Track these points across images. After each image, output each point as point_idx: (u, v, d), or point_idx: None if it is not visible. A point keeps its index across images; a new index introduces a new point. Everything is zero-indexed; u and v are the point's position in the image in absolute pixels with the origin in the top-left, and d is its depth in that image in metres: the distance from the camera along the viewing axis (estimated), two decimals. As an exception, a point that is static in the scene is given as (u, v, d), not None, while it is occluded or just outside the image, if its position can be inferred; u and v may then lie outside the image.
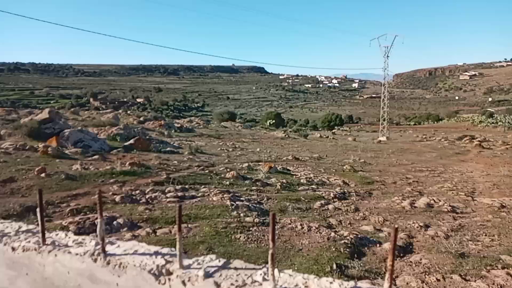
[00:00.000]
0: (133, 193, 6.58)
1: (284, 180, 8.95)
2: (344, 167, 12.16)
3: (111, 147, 10.97)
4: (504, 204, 8.04)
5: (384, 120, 43.99)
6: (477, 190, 9.84)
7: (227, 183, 8.16)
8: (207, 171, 9.18)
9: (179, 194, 6.75)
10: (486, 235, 5.85)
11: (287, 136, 24.89)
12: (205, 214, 5.81)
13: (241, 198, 6.96)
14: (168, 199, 6.42)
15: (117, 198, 6.11)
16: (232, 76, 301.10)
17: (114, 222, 5.15)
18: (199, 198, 6.68)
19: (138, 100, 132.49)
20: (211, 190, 7.17)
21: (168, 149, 12.46)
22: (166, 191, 6.92)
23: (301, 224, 5.68)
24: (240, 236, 5.04)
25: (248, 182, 8.46)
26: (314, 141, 24.77)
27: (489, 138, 31.86)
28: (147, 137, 14.48)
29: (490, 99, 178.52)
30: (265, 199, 7.23)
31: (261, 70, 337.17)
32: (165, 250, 0.84)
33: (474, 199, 8.61)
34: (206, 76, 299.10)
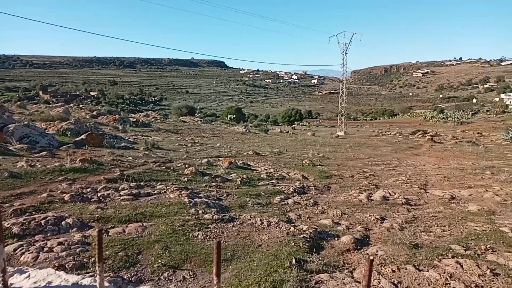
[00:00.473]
0: (84, 191, 6.23)
1: (244, 176, 8.87)
2: (304, 162, 12.27)
3: (60, 142, 10.37)
4: (454, 196, 8.44)
5: (342, 115, 45.07)
6: (429, 182, 10.26)
7: (185, 179, 7.95)
8: (164, 167, 8.90)
9: (134, 191, 6.47)
10: (437, 226, 6.08)
11: (247, 131, 24.85)
12: (161, 212, 5.60)
13: (200, 195, 6.79)
14: (122, 197, 6.14)
15: (66, 197, 5.75)
16: (191, 70, 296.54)
17: (63, 223, 4.83)
18: (155, 196, 6.44)
19: (92, 93, 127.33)
20: (168, 187, 6.95)
21: (123, 144, 11.99)
22: (119, 188, 6.61)
23: (260, 220, 5.63)
24: (198, 234, 4.90)
25: (207, 178, 8.30)
26: (274, 136, 24.90)
27: (440, 133, 33.52)
28: (100, 132, 13.87)
29: (441, 96, 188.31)
30: (224, 195, 7.11)
31: (221, 65, 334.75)
32: (86, 281, 0.69)
33: (427, 191, 8.96)
34: (164, 69, 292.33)
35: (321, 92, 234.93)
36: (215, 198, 6.80)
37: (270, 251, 4.52)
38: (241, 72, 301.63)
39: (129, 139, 13.86)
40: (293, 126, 46.63)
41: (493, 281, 4.04)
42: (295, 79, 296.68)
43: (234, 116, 43.77)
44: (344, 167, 12.27)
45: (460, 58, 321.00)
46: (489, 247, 5.06)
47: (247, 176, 8.98)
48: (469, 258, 4.57)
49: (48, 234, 4.51)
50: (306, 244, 4.80)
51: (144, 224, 5.07)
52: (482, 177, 11.07)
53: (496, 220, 6.50)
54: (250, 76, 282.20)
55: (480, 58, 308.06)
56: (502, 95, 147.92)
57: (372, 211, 6.87)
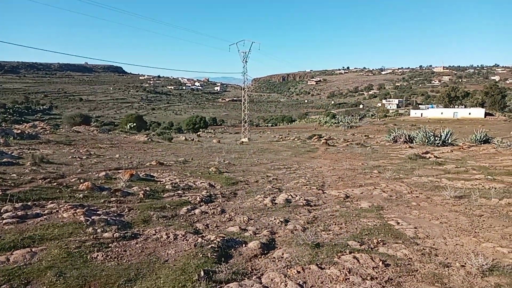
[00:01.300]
0: (-46, 217, 5.31)
1: (147, 188, 8.46)
2: (210, 170, 12.22)
3: None
4: (348, 195, 9.18)
5: (245, 122, 46.18)
6: (326, 183, 11.02)
7: (81, 196, 7.29)
8: (55, 183, 8.04)
9: (20, 213, 5.71)
10: (335, 224, 6.53)
11: (150, 140, 23.88)
12: (53, 234, 5.03)
13: (98, 212, 6.28)
14: (4, 221, 5.36)
15: None
16: (85, 76, 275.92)
17: None
18: (45, 216, 5.77)
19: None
20: (60, 206, 6.28)
21: (5, 160, 10.55)
22: (2, 211, 5.78)
23: (166, 234, 5.41)
24: (98, 255, 4.51)
25: (106, 193, 7.72)
26: (179, 145, 24.37)
27: (333, 137, 36.43)
28: (-24, 146, 12.04)
29: (332, 102, 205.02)
30: (126, 210, 6.68)
31: (118, 70, 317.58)
32: None
33: (324, 192, 9.60)
34: (53, 75, 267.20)
35: (225, 99, 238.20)
36: (115, 214, 6.35)
37: (177, 266, 4.36)
38: (140, 78, 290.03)
39: (13, 154, 12.27)
40: (198, 133, 46.35)
41: (385, 271, 4.46)
42: (198, 86, 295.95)
43: (135, 124, 41.77)
44: (249, 173, 12.53)
45: (348, 68, 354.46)
46: (380, 240, 5.60)
47: (151, 188, 8.60)
48: (364, 252, 4.99)
49: None
50: (215, 254, 4.74)
51: (33, 249, 4.50)
52: (370, 176, 12.26)
53: (384, 215, 7.24)
54: (151, 82, 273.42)
55: (365, 68, 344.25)
56: (384, 101, 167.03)
57: (276, 214, 7.10)
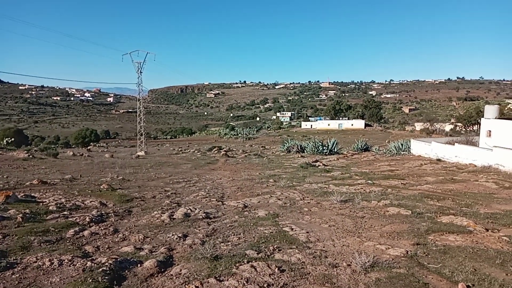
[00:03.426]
0: None
1: (27, 210, 7.54)
2: (101, 187, 11.40)
3: None
4: (246, 204, 9.41)
5: (141, 134, 44.40)
6: (225, 194, 11.14)
7: None
8: None
9: None
10: (234, 235, 6.63)
11: (31, 156, 21.36)
12: None
13: (-38, 242, 5.39)
14: None
15: None
16: None
17: None
18: None
19: None
20: None
21: None
22: None
23: (50, 260, 4.88)
24: (-39, 293, 3.86)
25: (-27, 219, 6.67)
26: (66, 160, 22.26)
27: (232, 148, 37.09)
28: None
29: (231, 115, 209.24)
30: (0, 237, 5.86)
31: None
32: None
33: (224, 203, 9.69)
34: None
35: (119, 111, 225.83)
36: (-15, 243, 5.52)
37: (63, 295, 3.96)
38: (20, 88, 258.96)
39: None
40: (88, 148, 42.96)
41: (280, 277, 4.67)
42: (88, 96, 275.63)
43: (13, 139, 37.05)
44: (146, 188, 12.03)
45: (245, 82, 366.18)
46: (276, 247, 5.85)
47: (31, 210, 7.68)
48: (261, 260, 5.16)
49: None
50: (106, 277, 4.43)
51: None
52: (267, 185, 12.77)
53: (280, 222, 7.59)
54: (33, 92, 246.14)
55: (260, 82, 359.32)
56: (278, 114, 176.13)
57: (175, 230, 6.93)
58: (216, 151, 31.58)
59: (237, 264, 5.02)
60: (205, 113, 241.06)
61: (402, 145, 25.08)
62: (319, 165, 18.85)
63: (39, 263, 4.83)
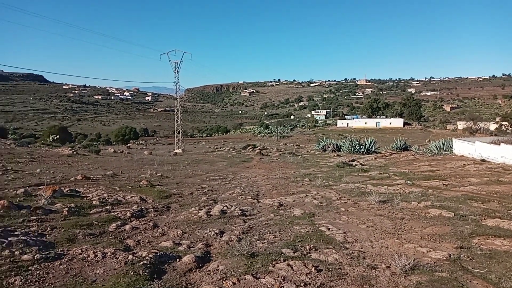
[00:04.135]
0: None
1: (72, 204, 7.91)
2: (141, 183, 11.77)
3: None
4: (281, 203, 9.39)
5: (178, 132, 45.36)
6: (260, 192, 11.17)
7: (-5, 216, 6.61)
8: (-37, 203, 7.20)
9: None
10: (270, 233, 6.63)
11: (75, 153, 22.40)
12: (-39, 261, 4.49)
13: (16, 232, 5.73)
14: None
15: None
16: (0, 85, 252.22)
17: None
18: (-49, 241, 5.13)
19: None
20: (-31, 228, 5.64)
21: None
22: None
23: (94, 252, 5.09)
24: (16, 280, 4.11)
25: (25, 211, 7.07)
26: (107, 157, 23.17)
27: (266, 146, 37.15)
28: None
29: (265, 113, 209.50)
30: (48, 229, 6.17)
31: (39, 79, 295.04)
32: None
33: (259, 201, 9.72)
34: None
35: (157, 110, 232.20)
36: (36, 234, 5.84)
37: (106, 286, 4.12)
38: (64, 87, 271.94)
39: None
40: (128, 145, 44.47)
41: (317, 277, 4.62)
42: (128, 95, 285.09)
43: (58, 136, 38.97)
44: (183, 185, 12.29)
45: (279, 80, 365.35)
46: (312, 246, 5.79)
47: (76, 204, 8.05)
48: (297, 259, 5.12)
49: None
50: (147, 271, 4.56)
51: None
52: (302, 184, 12.69)
53: (316, 221, 7.51)
54: (76, 92, 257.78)
55: (294, 80, 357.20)
56: (313, 112, 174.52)
57: (211, 226, 7.03)
58: (250, 150, 31.74)
59: (273, 262, 5.02)
60: (240, 111, 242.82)
61: (443, 144, 24.13)
62: (356, 165, 18.49)
63: (84, 255, 5.04)
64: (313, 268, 4.83)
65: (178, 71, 46.47)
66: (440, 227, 7.05)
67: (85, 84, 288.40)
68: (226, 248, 5.70)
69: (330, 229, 6.89)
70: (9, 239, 5.26)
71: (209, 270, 4.82)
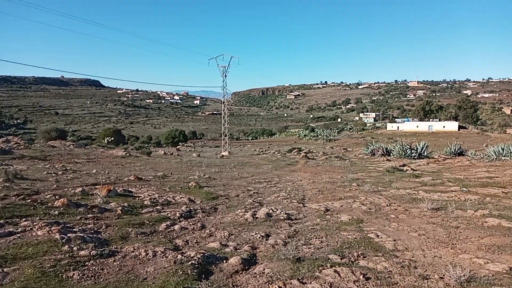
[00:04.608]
0: None
1: (125, 204, 8.29)
2: (190, 184, 12.09)
3: None
4: (328, 208, 9.23)
5: (225, 135, 46.10)
6: (306, 196, 11.06)
7: (56, 212, 7.07)
8: (29, 200, 7.79)
9: (-10, 232, 5.49)
10: (316, 238, 6.54)
11: (128, 154, 23.50)
12: (27, 253, 4.85)
13: (74, 229, 6.10)
14: (-27, 241, 5.15)
15: None
16: (61, 89, 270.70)
17: None
18: (18, 235, 5.56)
19: None
20: (34, 223, 6.07)
21: (-24, 176, 10.18)
22: (-29, 230, 5.55)
23: (145, 250, 5.29)
24: (74, 274, 4.37)
25: (82, 209, 7.52)
26: (158, 159, 24.07)
27: (312, 150, 36.74)
28: None
29: (311, 116, 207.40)
30: (103, 227, 6.51)
31: (96, 84, 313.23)
32: None
33: (305, 205, 9.63)
34: (28, 88, 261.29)
35: (204, 113, 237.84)
36: (92, 231, 6.18)
37: (156, 284, 4.26)
38: (118, 91, 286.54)
39: (-17, 170, 11.83)
40: (177, 147, 45.90)
41: (366, 285, 4.48)
42: (177, 99, 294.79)
43: (113, 138, 41.06)
44: (230, 187, 12.46)
45: (326, 82, 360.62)
46: (360, 253, 5.63)
47: (129, 204, 8.43)
48: (345, 266, 5.00)
49: None
50: (195, 271, 4.66)
51: (5, 269, 4.32)
52: (350, 189, 12.39)
53: (364, 228, 7.30)
54: (129, 96, 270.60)
55: (342, 82, 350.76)
56: (361, 115, 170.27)
57: (257, 229, 7.05)
58: (296, 153, 31.54)
59: (320, 268, 4.94)
60: (285, 114, 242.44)
61: (503, 149, 22.51)
62: (407, 170, 17.78)
63: (136, 253, 5.25)
64: (361, 275, 4.69)
65: (225, 75, 47.29)
66: (499, 237, 6.58)
67: (138, 88, 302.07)
68: (272, 252, 5.69)
69: (379, 236, 6.66)
70: (68, 235, 5.61)
71: (255, 273, 4.84)
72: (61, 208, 7.39)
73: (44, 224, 6.00)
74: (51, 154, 19.49)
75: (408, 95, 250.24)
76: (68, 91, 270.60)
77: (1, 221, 6.14)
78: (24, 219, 6.44)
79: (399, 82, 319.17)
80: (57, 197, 8.37)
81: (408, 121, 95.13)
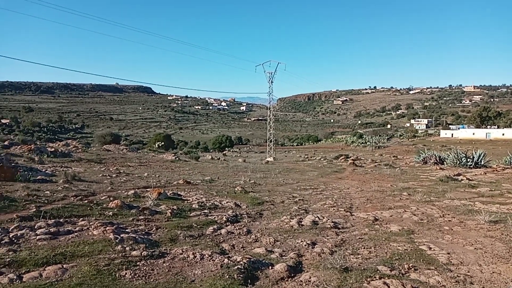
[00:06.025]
0: (-8, 232, 5.53)
1: (174, 207, 8.55)
2: (236, 189, 12.25)
3: (-36, 177, 9.20)
4: (377, 217, 8.94)
5: (270, 141, 46.23)
6: (354, 205, 10.79)
7: (110, 213, 7.45)
8: (86, 201, 8.27)
9: (52, 230, 5.89)
10: (364, 248, 6.35)
11: (177, 158, 24.28)
12: (84, 251, 5.15)
13: (127, 230, 6.39)
14: (38, 237, 5.54)
15: (-31, 241, 5.05)
16: (116, 96, 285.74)
17: (-35, 271, 4.21)
18: (76, 233, 5.92)
19: (3, 121, 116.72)
20: (91, 223, 6.43)
21: (39, 177, 10.97)
22: (36, 227, 5.98)
23: (193, 253, 5.42)
24: (126, 273, 4.57)
25: (134, 211, 7.86)
26: (205, 163, 24.63)
27: (360, 157, 35.81)
28: (13, 164, 12.58)
29: (359, 122, 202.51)
30: (154, 228, 6.76)
31: (147, 90, 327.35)
32: None
33: (352, 214, 9.39)
34: (86, 95, 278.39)
35: (250, 119, 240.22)
36: (143, 232, 6.44)
37: (204, 286, 4.35)
38: (169, 98, 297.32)
39: (47, 171, 12.74)
40: (224, 152, 46.70)
41: (417, 299, 4.29)
42: (224, 105, 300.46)
43: (163, 143, 42.61)
44: (275, 193, 12.46)
45: (375, 87, 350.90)
46: (411, 265, 5.40)
47: (178, 207, 8.69)
48: (394, 278, 4.82)
49: None
50: (241, 275, 4.70)
51: (65, 265, 4.61)
52: (400, 198, 11.93)
53: (416, 239, 6.99)
54: (179, 102, 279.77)
55: (392, 87, 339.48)
56: (412, 121, 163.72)
57: (303, 236, 6.98)
58: (343, 160, 30.91)
59: (368, 279, 4.79)
60: (332, 120, 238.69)
61: None
62: (462, 179, 16.82)
63: (184, 255, 5.39)
64: (413, 289, 4.49)
65: (272, 82, 47.56)
66: None
67: (187, 95, 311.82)
68: (318, 260, 5.61)
69: (432, 249, 6.34)
70: (121, 235, 5.88)
71: (301, 281, 4.79)
72: (115, 209, 7.77)
73: (100, 224, 6.35)
74: (106, 157, 20.58)
75: (464, 101, 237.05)
76: (122, 97, 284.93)
77: (61, 220, 6.57)
78: (81, 218, 6.85)
79: (453, 87, 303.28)
80: (111, 198, 8.82)
81: (463, 128, 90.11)
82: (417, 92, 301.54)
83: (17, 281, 4.12)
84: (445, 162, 25.75)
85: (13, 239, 5.40)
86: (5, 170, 10.03)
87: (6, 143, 20.28)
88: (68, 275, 4.36)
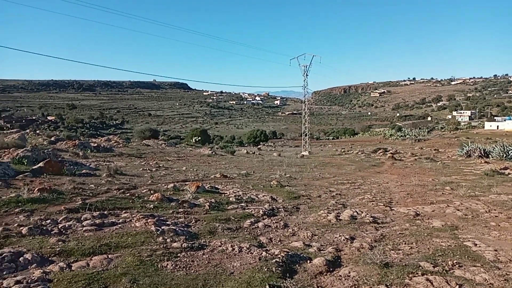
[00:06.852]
0: (43, 223, 5.86)
1: (212, 200, 8.70)
2: (272, 183, 12.27)
3: (16, 171, 9.77)
4: (418, 212, 8.68)
5: (305, 135, 45.83)
6: (393, 200, 10.52)
7: (151, 206, 7.69)
8: (128, 194, 8.58)
9: (97, 221, 6.17)
10: (405, 243, 6.19)
11: (214, 153, 24.64)
12: (127, 242, 5.35)
13: (167, 222, 6.58)
14: (84, 228, 5.83)
15: (24, 230, 5.39)
16: (153, 92, 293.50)
17: (21, 259, 4.50)
18: (120, 225, 6.16)
19: (49, 118, 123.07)
20: (133, 215, 6.68)
21: (84, 171, 11.48)
22: (82, 218, 6.28)
23: (231, 246, 5.50)
24: (168, 264, 4.71)
25: (174, 204, 8.07)
26: (241, 157, 24.84)
27: (399, 150, 34.76)
28: (59, 158, 13.25)
29: (398, 114, 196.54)
30: (193, 221, 6.92)
31: (184, 86, 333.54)
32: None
33: (392, 208, 9.16)
34: (125, 92, 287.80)
35: (284, 113, 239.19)
36: (183, 225, 6.60)
37: (243, 279, 4.40)
38: (204, 93, 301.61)
39: (91, 166, 13.32)
40: (259, 146, 46.84)
41: (463, 297, 4.14)
42: (259, 100, 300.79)
43: (199, 138, 43.33)
44: (311, 187, 12.37)
45: (414, 78, 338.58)
46: (455, 262, 5.20)
47: (216, 200, 8.83)
48: (438, 275, 4.67)
49: (4, 273, 4.18)
50: (279, 269, 4.72)
51: (110, 256, 4.83)
52: (442, 193, 11.50)
53: (460, 235, 6.72)
54: (214, 97, 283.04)
55: (432, 78, 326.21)
56: (454, 113, 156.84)
57: (341, 231, 6.90)
58: (381, 153, 30.14)
59: (410, 275, 4.67)
60: (369, 113, 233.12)
61: None
62: (509, 173, 15.96)
63: (223, 247, 5.48)
64: (457, 286, 4.33)
65: (307, 75, 46.99)
66: None
67: (222, 90, 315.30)
68: (357, 255, 5.53)
69: (477, 245, 6.08)
70: (162, 227, 6.06)
71: (340, 276, 4.74)
72: (156, 202, 8.01)
73: (141, 216, 6.57)
74: (145, 152, 21.22)
75: (510, 91, 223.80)
76: (160, 93, 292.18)
77: (105, 212, 6.85)
78: (124, 211, 7.12)
79: (499, 77, 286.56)
80: (152, 191, 9.10)
81: (510, 119, 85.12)
82: (460, 83, 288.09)
83: (67, 269, 4.35)
84: (490, 156, 24.50)
85: (62, 230, 5.71)
86: (53, 164, 10.58)
87: (52, 138, 21.36)
88: (113, 265, 4.56)
